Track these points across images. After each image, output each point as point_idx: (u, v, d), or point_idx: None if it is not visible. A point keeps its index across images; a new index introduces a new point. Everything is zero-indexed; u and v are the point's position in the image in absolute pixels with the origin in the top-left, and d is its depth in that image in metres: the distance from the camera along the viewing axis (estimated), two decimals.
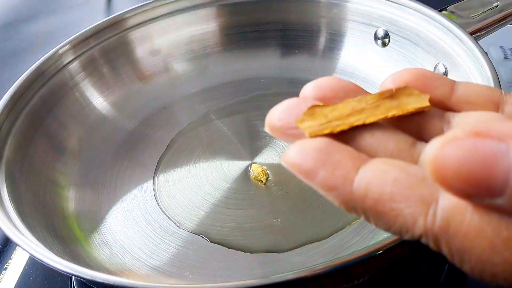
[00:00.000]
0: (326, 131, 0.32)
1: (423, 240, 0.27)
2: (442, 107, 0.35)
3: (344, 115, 0.34)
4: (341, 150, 0.30)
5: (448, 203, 0.26)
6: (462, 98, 0.34)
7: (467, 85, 0.35)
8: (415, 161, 0.31)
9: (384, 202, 0.27)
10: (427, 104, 0.34)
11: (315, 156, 0.29)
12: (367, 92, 0.35)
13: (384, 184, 0.27)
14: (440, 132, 0.33)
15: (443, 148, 0.24)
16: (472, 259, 0.25)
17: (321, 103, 0.34)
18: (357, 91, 0.35)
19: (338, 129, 0.33)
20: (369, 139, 0.32)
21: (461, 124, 0.33)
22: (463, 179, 0.23)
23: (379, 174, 0.28)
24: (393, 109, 0.34)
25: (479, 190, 0.23)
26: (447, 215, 0.25)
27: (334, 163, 0.29)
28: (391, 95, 0.35)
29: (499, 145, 0.23)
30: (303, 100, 0.34)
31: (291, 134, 0.33)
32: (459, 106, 0.34)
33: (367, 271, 0.50)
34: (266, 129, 0.34)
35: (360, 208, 0.28)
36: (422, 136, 0.33)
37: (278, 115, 0.34)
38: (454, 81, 0.35)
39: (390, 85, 0.35)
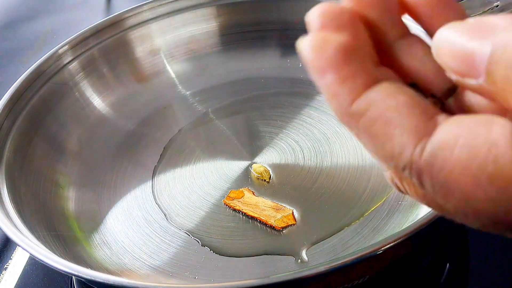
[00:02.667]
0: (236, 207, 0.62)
1: (407, 173, 0.27)
2: None
3: (248, 203, 0.62)
4: (361, 59, 0.29)
5: (438, 138, 0.26)
6: None
7: None
8: None
9: (380, 124, 0.27)
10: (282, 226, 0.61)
11: (333, 57, 0.28)
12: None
13: (385, 108, 0.27)
14: None
15: (440, 33, 0.27)
16: (455, 196, 0.25)
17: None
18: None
19: (237, 208, 0.63)
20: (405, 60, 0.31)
21: None
22: (455, 58, 0.26)
23: (385, 96, 0.27)
24: (265, 218, 0.62)
25: (465, 68, 0.26)
26: (435, 149, 0.25)
27: (348, 72, 0.28)
28: (276, 209, 0.63)
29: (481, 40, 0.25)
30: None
31: None
32: None
33: (367, 271, 0.50)
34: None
35: (354, 124, 0.28)
36: None
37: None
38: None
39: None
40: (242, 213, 0.64)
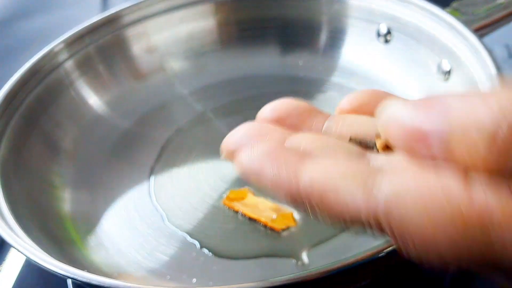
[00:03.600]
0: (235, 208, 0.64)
1: (369, 227, 0.28)
2: None
3: (247, 204, 0.64)
4: (286, 150, 0.32)
5: (387, 191, 0.27)
6: None
7: None
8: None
9: (328, 193, 0.28)
10: (282, 227, 0.61)
11: (263, 158, 0.32)
12: (318, 111, 0.40)
13: (327, 177, 0.29)
14: None
15: (389, 107, 0.29)
16: (416, 241, 0.26)
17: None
18: (309, 111, 0.39)
19: (239, 210, 0.64)
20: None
21: None
22: (405, 133, 0.28)
23: (322, 168, 0.30)
24: (264, 219, 0.62)
25: (417, 142, 0.27)
26: (389, 203, 0.26)
27: (280, 162, 0.31)
28: (276, 210, 0.63)
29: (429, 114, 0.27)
30: (260, 124, 0.38)
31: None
32: None
33: (369, 273, 0.50)
34: (223, 155, 0.38)
35: (305, 201, 0.30)
36: None
37: (235, 140, 0.37)
38: None
39: (346, 107, 0.39)
40: (241, 214, 0.63)
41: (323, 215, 0.29)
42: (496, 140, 0.24)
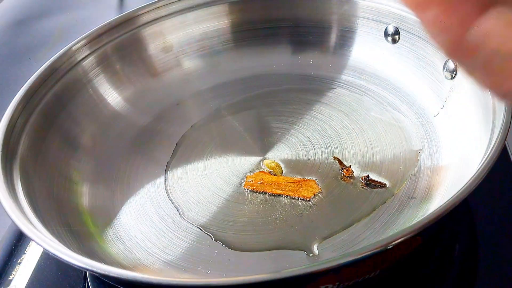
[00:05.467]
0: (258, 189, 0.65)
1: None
2: None
3: (268, 183, 0.66)
4: None
5: None
6: None
7: None
8: None
9: (501, 58, 0.25)
10: (311, 195, 0.64)
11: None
12: None
13: (508, 38, 0.25)
14: None
15: None
16: None
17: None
18: None
19: (261, 189, 0.65)
20: None
21: None
22: None
23: (505, 24, 0.25)
24: (291, 192, 0.64)
25: None
26: None
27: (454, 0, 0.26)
28: (298, 182, 0.65)
29: None
30: None
31: None
32: None
33: (378, 265, 0.50)
34: None
35: (467, 59, 0.26)
36: None
37: None
38: None
39: None
40: (267, 193, 0.66)
41: (478, 79, 0.27)
42: None
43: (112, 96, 0.80)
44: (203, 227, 0.63)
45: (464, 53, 0.26)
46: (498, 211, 0.66)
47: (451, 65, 0.70)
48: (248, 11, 0.87)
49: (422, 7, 0.26)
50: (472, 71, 0.26)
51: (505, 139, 0.53)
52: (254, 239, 0.61)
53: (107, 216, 0.67)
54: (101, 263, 0.48)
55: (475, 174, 0.48)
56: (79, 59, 0.77)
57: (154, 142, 0.76)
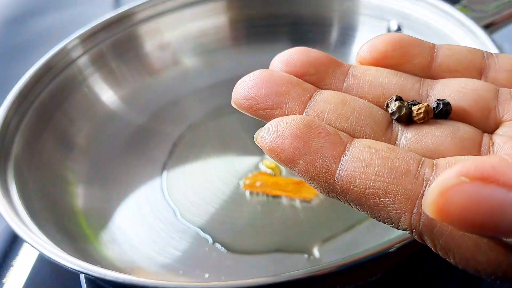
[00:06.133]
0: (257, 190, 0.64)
1: (409, 233, 0.27)
2: (423, 75, 0.35)
3: (267, 184, 0.64)
4: (320, 134, 0.29)
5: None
6: (442, 66, 0.35)
7: (447, 50, 0.35)
8: (392, 142, 0.31)
9: (368, 197, 0.27)
10: (311, 196, 0.62)
11: (294, 144, 0.29)
12: (337, 63, 0.35)
13: (366, 179, 0.27)
14: (423, 98, 0.34)
15: (447, 193, 0.22)
16: (456, 256, 0.25)
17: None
18: (328, 64, 0.35)
19: (260, 190, 0.64)
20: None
21: (443, 94, 0.33)
22: (469, 224, 0.22)
23: (361, 167, 0.27)
24: (291, 193, 0.63)
25: (485, 233, 0.23)
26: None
27: (314, 153, 0.28)
28: (298, 183, 0.64)
29: (506, 193, 0.22)
30: (276, 74, 0.34)
31: (262, 115, 0.33)
32: (440, 74, 0.35)
33: (380, 268, 0.50)
34: (236, 106, 0.35)
35: (342, 198, 0.28)
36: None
37: (247, 91, 0.34)
38: (434, 46, 0.36)
39: (366, 55, 0.35)
40: (266, 194, 0.65)
41: (362, 211, 0.29)
42: None
43: (107, 94, 0.79)
44: (201, 229, 0.63)
45: (338, 196, 0.29)
46: None
47: None
48: (246, 8, 0.87)
49: (290, 163, 0.29)
50: (353, 206, 0.29)
51: None
52: (253, 241, 0.61)
53: (103, 218, 0.66)
54: (97, 266, 0.48)
55: None
56: (74, 57, 0.76)
57: (151, 141, 0.75)
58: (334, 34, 0.84)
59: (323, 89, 0.34)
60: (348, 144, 0.29)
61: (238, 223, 0.63)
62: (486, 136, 0.30)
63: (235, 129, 0.75)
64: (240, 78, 0.33)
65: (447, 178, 0.23)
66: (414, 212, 0.26)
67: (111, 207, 0.67)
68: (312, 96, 0.33)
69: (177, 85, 0.83)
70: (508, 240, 0.23)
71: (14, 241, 0.69)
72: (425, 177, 0.26)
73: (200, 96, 0.82)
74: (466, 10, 0.71)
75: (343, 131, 0.30)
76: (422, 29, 0.75)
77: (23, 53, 1.03)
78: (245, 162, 0.70)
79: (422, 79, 0.34)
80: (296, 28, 0.86)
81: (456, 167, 0.23)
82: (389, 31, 0.79)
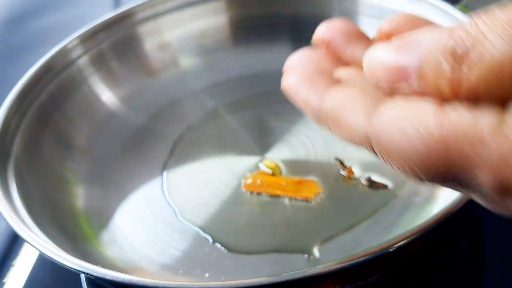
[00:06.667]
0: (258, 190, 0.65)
1: (364, 146, 0.32)
2: None
3: (268, 184, 0.65)
4: (320, 78, 0.38)
5: (381, 115, 0.30)
6: None
7: None
8: None
9: (340, 113, 0.33)
10: (311, 196, 0.63)
11: (299, 81, 0.39)
12: (364, 36, 0.43)
13: (342, 100, 0.33)
14: None
15: (371, 53, 0.31)
16: (397, 161, 0.29)
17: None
18: (357, 35, 0.43)
19: (260, 190, 0.65)
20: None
21: None
22: (386, 71, 0.30)
23: (341, 95, 0.34)
24: (292, 193, 0.64)
25: (397, 78, 0.29)
26: (382, 123, 0.29)
27: (312, 86, 0.37)
28: (299, 183, 0.64)
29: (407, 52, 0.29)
30: (314, 53, 0.43)
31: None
32: None
33: (380, 268, 0.50)
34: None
35: (325, 120, 0.34)
36: None
37: (290, 62, 0.44)
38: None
39: (386, 28, 0.39)
40: (267, 194, 0.65)
41: (336, 134, 0.34)
42: (456, 59, 0.26)
43: (107, 95, 0.79)
44: (201, 229, 0.63)
45: (323, 121, 0.35)
46: None
47: None
48: (247, 8, 0.87)
49: (295, 93, 0.40)
50: (332, 132, 0.35)
51: None
52: (253, 241, 0.60)
53: (103, 218, 0.66)
54: (97, 265, 0.48)
55: None
56: (74, 57, 0.76)
57: (151, 142, 0.75)
58: None
59: None
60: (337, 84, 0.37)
61: (238, 223, 0.62)
62: None
63: (235, 129, 0.75)
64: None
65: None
66: (369, 122, 0.31)
67: (111, 207, 0.67)
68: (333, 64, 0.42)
69: (177, 85, 0.83)
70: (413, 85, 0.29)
71: (14, 241, 0.69)
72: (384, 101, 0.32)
73: (200, 96, 0.82)
74: (466, 10, 0.71)
75: None
76: None
77: (23, 53, 1.03)
78: (245, 162, 0.69)
79: None
80: (296, 28, 0.86)
81: None
82: None
